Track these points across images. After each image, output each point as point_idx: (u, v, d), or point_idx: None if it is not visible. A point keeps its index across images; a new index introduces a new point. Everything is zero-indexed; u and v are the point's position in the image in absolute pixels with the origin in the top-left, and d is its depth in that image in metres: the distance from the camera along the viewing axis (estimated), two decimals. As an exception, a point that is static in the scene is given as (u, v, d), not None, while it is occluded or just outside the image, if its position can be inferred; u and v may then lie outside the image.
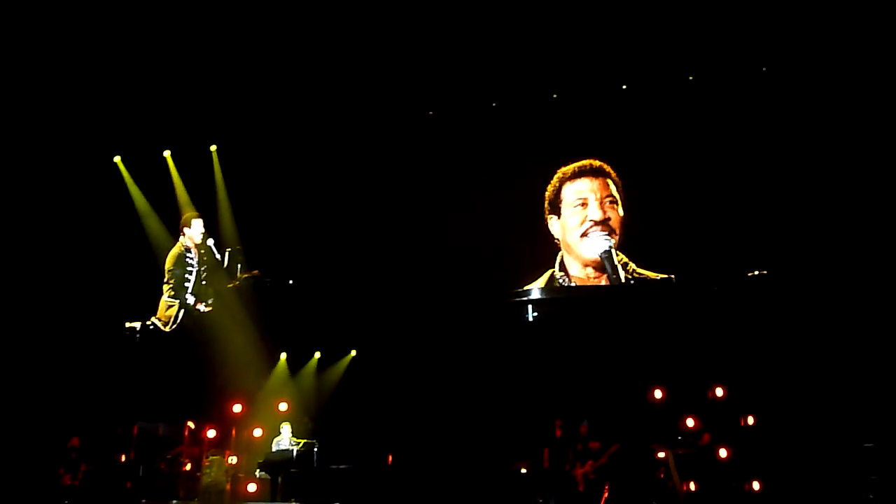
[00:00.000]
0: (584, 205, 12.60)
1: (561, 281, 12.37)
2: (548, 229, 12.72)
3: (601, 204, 12.53)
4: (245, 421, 12.24)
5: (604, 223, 12.44)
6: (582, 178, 12.73)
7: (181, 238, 12.16)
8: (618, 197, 12.52)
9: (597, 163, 12.71)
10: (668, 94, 12.34)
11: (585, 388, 11.36)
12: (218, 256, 12.30)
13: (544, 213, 12.77)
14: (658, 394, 10.97)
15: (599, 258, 12.22)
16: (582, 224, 12.55)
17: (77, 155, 13.15)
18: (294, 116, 13.28)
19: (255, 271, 12.58)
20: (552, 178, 12.84)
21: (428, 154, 13.66)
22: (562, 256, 12.53)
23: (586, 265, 12.39)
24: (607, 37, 11.69)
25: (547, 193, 12.78)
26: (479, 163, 13.47)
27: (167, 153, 13.30)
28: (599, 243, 12.27)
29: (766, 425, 10.56)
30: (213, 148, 13.51)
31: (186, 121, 13.06)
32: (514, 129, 13.13)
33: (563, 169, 12.80)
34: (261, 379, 13.11)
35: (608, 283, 12.09)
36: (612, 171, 12.62)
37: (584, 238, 12.49)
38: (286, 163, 13.68)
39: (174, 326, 11.85)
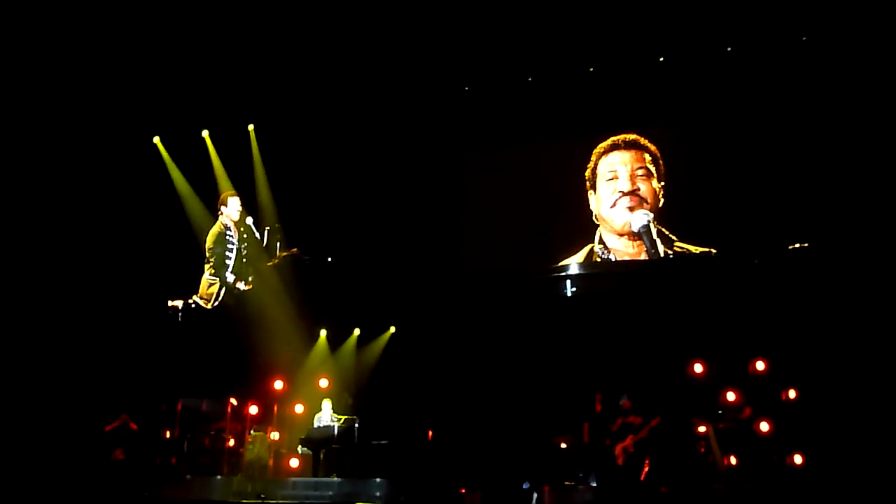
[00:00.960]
0: (615, 177, 12.74)
1: (600, 254, 12.48)
2: (588, 205, 12.82)
3: (631, 175, 12.65)
4: (286, 397, 12.41)
5: (632, 194, 12.56)
6: (614, 152, 12.85)
7: (220, 217, 12.48)
8: (652, 169, 12.60)
9: (630, 136, 12.80)
10: (707, 65, 12.30)
11: (625, 362, 11.46)
12: (257, 235, 12.62)
13: (585, 189, 12.88)
14: (698, 368, 11.01)
15: (637, 231, 12.32)
16: (612, 195, 12.69)
17: (117, 135, 13.38)
18: (330, 94, 13.39)
19: (294, 249, 12.86)
20: (592, 154, 12.95)
21: (465, 129, 13.77)
22: (600, 231, 12.65)
23: (621, 235, 12.51)
24: (645, 7, 11.69)
25: (587, 170, 12.90)
26: (517, 137, 13.56)
27: (205, 133, 13.53)
28: (637, 218, 12.38)
29: (808, 399, 10.58)
30: (251, 127, 13.68)
31: (224, 100, 13.26)
32: (553, 103, 13.16)
33: (601, 144, 12.92)
34: (301, 355, 13.27)
35: (647, 257, 12.17)
36: (648, 144, 12.69)
37: (613, 209, 12.63)
38: (323, 140, 13.80)
39: (216, 304, 12.19)
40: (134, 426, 11.64)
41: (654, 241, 12.14)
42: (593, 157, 12.91)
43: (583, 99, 12.96)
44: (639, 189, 12.58)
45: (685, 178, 12.44)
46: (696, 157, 12.47)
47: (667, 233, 12.19)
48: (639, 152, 12.76)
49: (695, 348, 11.10)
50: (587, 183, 12.84)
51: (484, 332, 12.72)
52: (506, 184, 13.53)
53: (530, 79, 13.04)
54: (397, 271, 13.45)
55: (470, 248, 13.48)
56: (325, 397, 12.43)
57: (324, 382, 12.66)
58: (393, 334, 13.77)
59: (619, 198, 12.62)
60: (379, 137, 13.81)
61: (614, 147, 12.86)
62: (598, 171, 12.87)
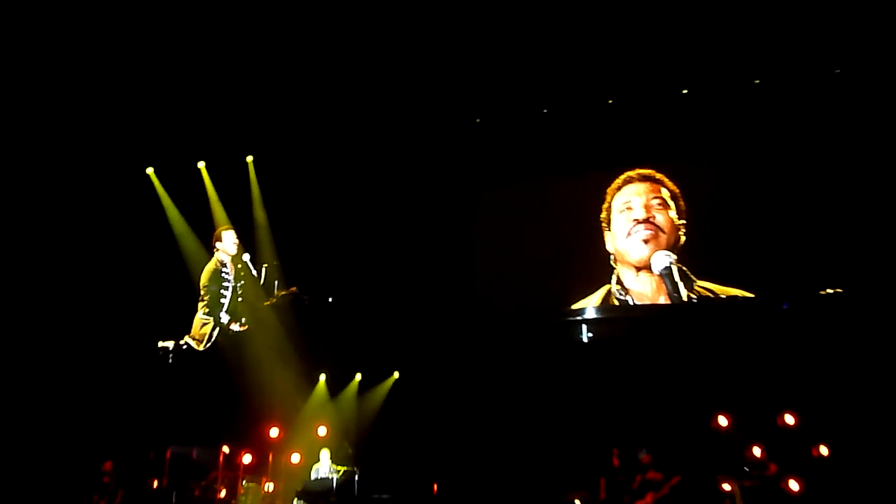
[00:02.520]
0: (629, 208, 12.73)
1: (618, 295, 12.36)
2: (605, 245, 12.73)
3: (646, 205, 12.64)
4: (282, 446, 12.29)
5: (647, 222, 12.54)
6: (629, 185, 12.88)
7: (216, 253, 12.36)
8: (670, 203, 12.55)
9: (646, 171, 12.78)
10: (733, 97, 12.23)
11: (645, 413, 11.30)
12: (255, 272, 12.50)
13: (601, 229, 12.80)
14: (723, 420, 10.88)
15: (658, 274, 12.20)
16: (626, 224, 12.66)
17: (108, 166, 13.29)
18: (334, 126, 13.33)
19: (294, 288, 12.74)
20: (606, 193, 12.92)
21: (476, 163, 13.68)
22: (617, 271, 12.54)
23: (638, 270, 12.41)
24: (667, 37, 11.61)
25: (602, 210, 12.85)
26: (529, 173, 13.48)
27: (202, 164, 13.43)
28: (658, 259, 12.26)
29: (840, 457, 10.40)
30: (250, 159, 13.62)
31: (222, 130, 13.16)
32: (568, 137, 13.08)
33: (615, 181, 12.89)
34: (299, 401, 13.16)
35: (669, 301, 12.03)
36: (665, 179, 12.66)
37: (628, 239, 12.60)
38: (326, 174, 13.73)
39: (209, 345, 12.04)
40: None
41: (677, 283, 11.98)
42: (608, 196, 12.85)
43: (600, 132, 12.88)
44: (654, 218, 12.52)
45: (709, 215, 12.32)
46: (721, 192, 12.34)
47: (688, 273, 12.03)
48: (654, 185, 12.73)
49: (719, 399, 10.95)
50: (602, 223, 12.76)
51: (494, 379, 12.59)
52: (518, 221, 13.41)
53: (545, 111, 12.96)
54: (402, 313, 13.33)
55: (480, 289, 13.33)
56: (324, 447, 12.28)
57: (322, 430, 12.55)
58: (397, 380, 13.65)
59: (634, 226, 12.56)
60: (385, 172, 13.75)
61: (628, 181, 12.86)
62: (613, 206, 12.82)
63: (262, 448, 12.06)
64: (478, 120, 13.29)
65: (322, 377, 13.52)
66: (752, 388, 11.02)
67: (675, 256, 12.17)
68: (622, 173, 12.90)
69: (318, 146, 13.61)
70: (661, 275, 12.15)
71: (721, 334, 11.54)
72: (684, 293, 11.94)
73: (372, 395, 13.63)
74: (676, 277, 12.01)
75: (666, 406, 11.19)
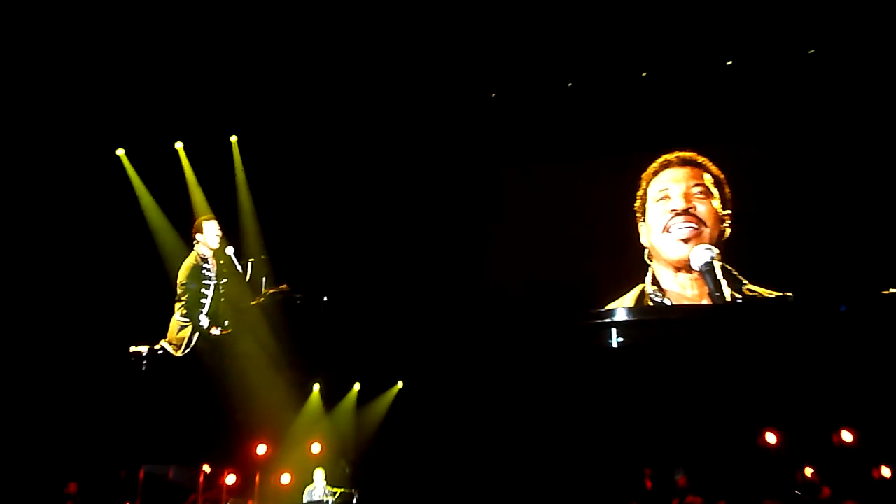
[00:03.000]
0: (666, 197, 12.68)
1: (653, 297, 12.37)
2: (639, 238, 12.71)
3: (686, 194, 12.60)
4: (271, 465, 12.43)
5: (687, 213, 12.50)
6: (666, 170, 12.82)
7: (195, 246, 12.37)
8: (714, 191, 12.53)
9: (687, 153, 12.75)
10: (784, 70, 12.23)
11: (682, 430, 11.32)
12: (239, 268, 12.47)
13: (635, 220, 12.79)
14: (771, 438, 10.91)
15: (698, 270, 12.22)
16: (663, 216, 12.61)
17: (73, 147, 13.36)
18: (330, 99, 13.41)
19: (284, 286, 12.72)
20: (640, 180, 12.88)
21: (490, 144, 13.76)
22: (653, 269, 12.54)
23: (677, 270, 12.41)
24: (709, 3, 11.62)
25: (636, 199, 12.82)
26: (552, 155, 13.53)
27: (179, 145, 13.43)
28: (699, 254, 12.28)
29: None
30: (234, 139, 13.61)
31: (202, 106, 13.23)
32: (596, 114, 13.18)
33: (650, 166, 12.86)
34: (290, 415, 13.22)
35: (710, 301, 12.04)
36: (709, 163, 12.64)
37: (665, 234, 12.56)
38: (320, 155, 13.83)
39: (187, 351, 12.04)
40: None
41: (719, 281, 12.01)
42: (642, 183, 12.87)
43: (633, 109, 12.90)
44: (694, 208, 12.51)
45: (757, 206, 12.33)
46: (772, 179, 12.37)
47: (734, 272, 12.05)
48: (696, 170, 12.73)
49: (767, 414, 10.98)
50: (637, 214, 12.76)
51: (511, 390, 12.64)
52: (539, 210, 13.51)
53: (570, 84, 12.98)
54: (408, 315, 13.43)
55: (496, 287, 13.44)
56: (318, 466, 12.38)
57: (316, 448, 12.63)
58: (401, 390, 13.73)
59: (671, 218, 12.56)
60: (388, 153, 13.85)
61: (666, 165, 12.83)
62: (649, 193, 12.82)
63: (247, 467, 12.18)
64: (493, 94, 13.32)
65: (316, 387, 13.61)
66: (805, 400, 11.05)
67: (716, 251, 12.18)
68: (659, 156, 12.90)
69: (312, 123, 13.69)
70: (700, 271, 12.17)
71: (769, 340, 11.54)
72: (727, 292, 11.95)
73: (372, 407, 13.71)
74: (719, 275, 12.03)
75: (706, 421, 11.20)
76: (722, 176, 12.60)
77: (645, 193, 12.84)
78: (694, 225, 12.43)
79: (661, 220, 12.63)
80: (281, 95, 13.24)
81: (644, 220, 12.76)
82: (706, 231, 12.39)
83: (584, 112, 13.17)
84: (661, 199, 12.73)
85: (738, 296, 11.90)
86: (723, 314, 11.93)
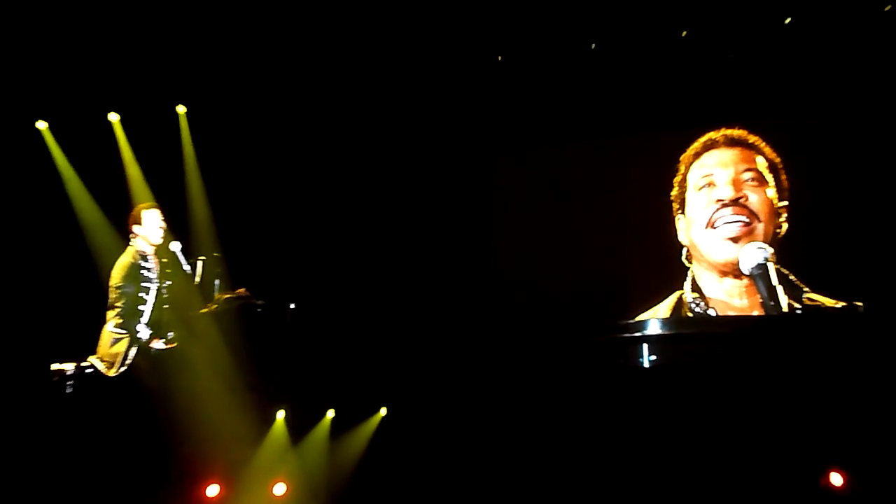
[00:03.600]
0: (711, 184, 12.53)
1: (693, 306, 12.26)
2: (675, 234, 12.60)
3: (735, 180, 12.42)
4: None
5: (736, 204, 12.34)
6: (711, 151, 12.69)
7: (133, 241, 12.23)
8: (769, 178, 12.37)
9: (736, 131, 12.60)
10: (854, 32, 12.14)
11: (727, 469, 11.20)
12: (187, 267, 12.37)
13: (672, 213, 12.66)
14: (837, 479, 10.78)
15: (749, 273, 12.07)
16: (706, 208, 12.46)
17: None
18: (304, 65, 13.47)
19: (242, 290, 12.64)
20: (678, 163, 12.76)
21: (495, 117, 13.63)
22: (693, 272, 12.41)
23: (724, 273, 12.30)
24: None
25: (673, 186, 12.69)
26: (572, 131, 13.40)
27: (114, 117, 13.38)
28: (749, 254, 12.10)
29: None
30: (182, 110, 13.60)
31: (143, 69, 13.18)
32: (626, 82, 13.07)
33: (691, 146, 12.72)
34: (248, 448, 12.92)
35: (763, 312, 11.93)
36: (761, 144, 12.47)
37: (710, 230, 12.42)
38: (289, 132, 13.85)
39: (122, 369, 11.93)
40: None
41: (774, 288, 11.84)
42: (681, 167, 12.73)
43: (670, 78, 12.83)
44: (745, 198, 12.34)
45: (821, 197, 12.21)
46: (838, 166, 12.25)
47: (792, 277, 11.89)
48: (747, 152, 12.56)
49: (832, 450, 10.84)
50: (673, 204, 12.62)
51: (520, 420, 12.49)
52: (552, 204, 13.43)
53: (593, 46, 12.89)
54: (393, 327, 13.42)
55: (502, 296, 13.33)
56: None
57: (280, 489, 12.56)
58: (384, 418, 13.64)
59: (717, 210, 12.38)
60: (369, 131, 13.89)
61: (710, 145, 12.67)
62: (689, 180, 12.67)
63: None
64: (500, 57, 13.18)
65: (280, 414, 13.38)
66: (878, 434, 10.90)
67: (771, 250, 12.03)
68: (701, 135, 12.76)
69: (278, 91, 13.71)
70: (751, 275, 12.01)
71: (836, 360, 11.42)
72: (784, 301, 11.79)
73: (350, 439, 13.59)
74: (774, 280, 11.86)
75: (757, 459, 11.09)
76: (778, 160, 12.44)
77: (684, 180, 12.67)
78: (745, 219, 12.24)
79: (704, 213, 12.44)
80: (240, 57, 13.20)
81: (682, 213, 12.59)
82: (759, 227, 12.21)
83: (609, 80, 13.08)
84: (704, 186, 12.53)
85: (796, 305, 11.76)
86: (778, 328, 11.78)
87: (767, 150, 12.46)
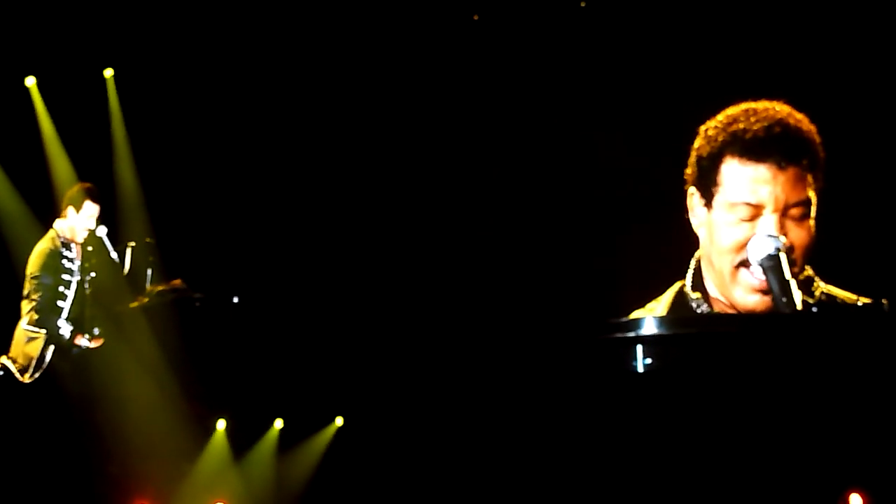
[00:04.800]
0: (755, 217, 12.41)
1: (696, 304, 12.14)
2: (684, 209, 12.52)
3: (782, 219, 12.28)
4: None
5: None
6: (762, 165, 12.51)
7: (56, 225, 12.15)
8: (814, 198, 12.26)
9: (793, 122, 12.47)
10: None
11: (733, 489, 11.15)
12: (115, 255, 12.30)
13: (684, 181, 12.58)
14: (857, 501, 10.72)
15: (759, 265, 12.00)
16: (737, 240, 12.37)
17: None
18: (251, 20, 13.40)
19: (177, 281, 12.58)
20: (706, 127, 12.62)
21: (470, 82, 13.58)
22: (698, 261, 12.33)
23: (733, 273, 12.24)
24: None
25: (694, 154, 12.56)
26: (552, 97, 13.35)
27: (30, 81, 13.39)
28: (760, 244, 11.92)
29: None
30: (109, 74, 13.59)
31: (64, 27, 13.08)
32: (616, 39, 12.97)
33: (737, 121, 12.60)
34: (184, 463, 13.07)
35: (774, 309, 11.85)
36: (813, 137, 12.37)
37: (742, 269, 12.33)
38: (235, 102, 13.76)
39: (38, 374, 11.86)
40: None
41: (787, 282, 11.69)
42: (713, 139, 12.55)
43: (674, 31, 12.76)
44: (786, 235, 12.25)
45: (837, 188, 12.15)
46: (852, 144, 12.19)
47: (810, 273, 11.84)
48: (798, 171, 12.36)
49: (852, 468, 10.81)
50: (686, 179, 12.53)
51: (494, 430, 12.44)
52: (531, 171, 13.31)
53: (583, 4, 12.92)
54: (350, 324, 13.39)
55: (471, 288, 13.20)
56: None
57: None
58: (340, 429, 13.75)
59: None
60: (323, 99, 13.77)
61: (764, 151, 12.47)
62: (725, 181, 12.52)
63: None
64: (476, 17, 13.16)
65: (221, 424, 13.47)
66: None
67: (784, 239, 11.92)
68: (735, 102, 12.61)
69: (226, 57, 13.65)
70: (762, 267, 11.90)
71: (857, 364, 11.37)
72: (798, 297, 11.70)
73: (301, 453, 13.69)
74: (787, 273, 11.75)
75: (767, 479, 11.04)
76: (822, 161, 12.30)
77: (718, 166, 12.51)
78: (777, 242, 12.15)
79: (731, 240, 12.34)
80: (178, 13, 13.13)
81: (708, 206, 12.47)
82: (793, 269, 12.14)
83: (601, 36, 13.04)
84: (745, 211, 12.40)
85: (810, 300, 11.69)
86: (792, 327, 11.71)
87: (816, 140, 12.33)
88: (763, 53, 12.38)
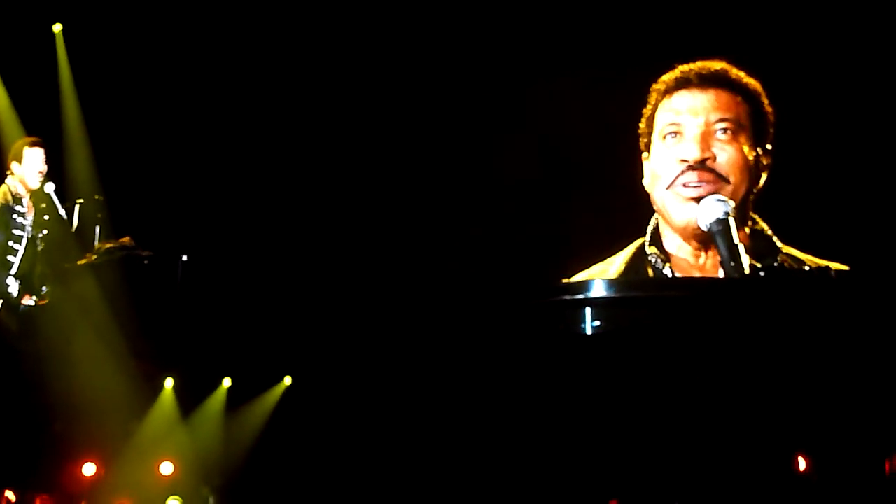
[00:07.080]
0: (678, 133, 12.36)
1: (653, 261, 12.14)
2: (641, 178, 12.59)
3: (705, 133, 12.21)
4: (103, 491, 12.24)
5: (703, 167, 12.17)
6: (682, 91, 12.47)
7: (7, 181, 12.10)
8: (746, 122, 12.22)
9: (715, 65, 12.43)
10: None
11: (679, 451, 11.21)
12: (63, 212, 12.25)
13: (638, 153, 12.62)
14: (803, 464, 10.82)
15: (707, 230, 12.03)
16: (668, 165, 12.36)
17: None
18: None
19: (126, 238, 12.54)
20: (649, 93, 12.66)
21: (431, 44, 13.53)
22: (657, 221, 12.33)
23: (686, 238, 12.24)
24: None
25: (641, 120, 12.60)
26: (521, 60, 13.33)
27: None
28: (708, 208, 12.00)
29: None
30: (58, 28, 13.47)
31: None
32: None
33: (662, 78, 12.58)
34: (130, 422, 13.05)
35: (724, 274, 11.88)
36: (744, 79, 12.34)
37: (670, 190, 12.28)
38: (185, 54, 13.69)
39: (-15, 331, 11.82)
40: None
41: (735, 246, 11.72)
42: (651, 97, 12.57)
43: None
44: (714, 158, 12.21)
45: (794, 148, 12.20)
46: (817, 113, 12.24)
47: (768, 232, 11.88)
48: (724, 94, 12.29)
49: (799, 432, 10.90)
50: (640, 140, 12.53)
51: (441, 393, 12.50)
52: (491, 131, 13.30)
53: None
54: (300, 284, 13.45)
55: (423, 244, 13.22)
56: (171, 494, 12.44)
57: (168, 468, 12.58)
58: (289, 388, 13.79)
59: (681, 174, 12.25)
60: (277, 52, 13.70)
61: (683, 83, 12.46)
62: (656, 121, 12.53)
63: (69, 495, 11.98)
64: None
65: (169, 383, 13.46)
66: (851, 413, 10.97)
67: (732, 203, 11.93)
68: (675, 67, 12.64)
69: (180, 11, 13.53)
70: (710, 231, 11.90)
71: (806, 328, 11.45)
72: (746, 261, 11.72)
73: (248, 411, 13.76)
74: (735, 237, 11.77)
75: (714, 443, 11.11)
76: (762, 97, 12.30)
77: (652, 118, 12.50)
78: (711, 184, 12.15)
79: (667, 171, 12.29)
80: None
81: (648, 158, 12.51)
82: (728, 188, 12.11)
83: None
84: (668, 134, 12.34)
85: (757, 265, 11.69)
86: (740, 292, 11.76)
87: (753, 84, 12.32)
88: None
